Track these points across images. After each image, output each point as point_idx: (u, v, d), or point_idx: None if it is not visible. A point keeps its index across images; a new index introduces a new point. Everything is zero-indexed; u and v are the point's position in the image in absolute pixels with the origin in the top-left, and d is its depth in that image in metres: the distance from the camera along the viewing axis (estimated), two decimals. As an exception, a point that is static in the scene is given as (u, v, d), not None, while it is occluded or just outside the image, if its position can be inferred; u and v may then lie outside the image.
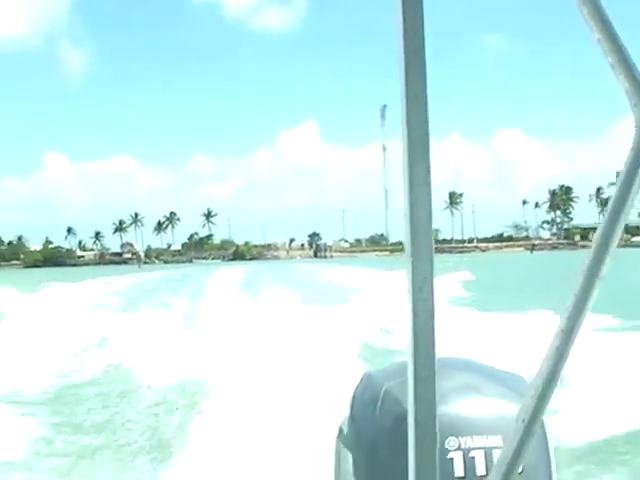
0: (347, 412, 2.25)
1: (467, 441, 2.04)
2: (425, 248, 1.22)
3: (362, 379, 2.30)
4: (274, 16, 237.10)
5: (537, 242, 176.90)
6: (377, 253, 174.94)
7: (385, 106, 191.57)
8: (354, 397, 2.29)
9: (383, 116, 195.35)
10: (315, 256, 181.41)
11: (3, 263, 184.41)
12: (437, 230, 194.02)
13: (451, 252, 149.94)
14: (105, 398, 18.32)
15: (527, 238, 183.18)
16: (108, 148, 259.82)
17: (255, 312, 33.36)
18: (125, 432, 14.81)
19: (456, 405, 1.92)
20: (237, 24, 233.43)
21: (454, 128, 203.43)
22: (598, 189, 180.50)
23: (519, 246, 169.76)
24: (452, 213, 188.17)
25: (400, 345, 20.85)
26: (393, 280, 52.54)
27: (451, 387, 1.82)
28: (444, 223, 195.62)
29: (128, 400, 17.58)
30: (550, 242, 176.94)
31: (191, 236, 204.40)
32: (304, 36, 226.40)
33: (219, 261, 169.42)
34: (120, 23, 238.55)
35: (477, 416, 2.04)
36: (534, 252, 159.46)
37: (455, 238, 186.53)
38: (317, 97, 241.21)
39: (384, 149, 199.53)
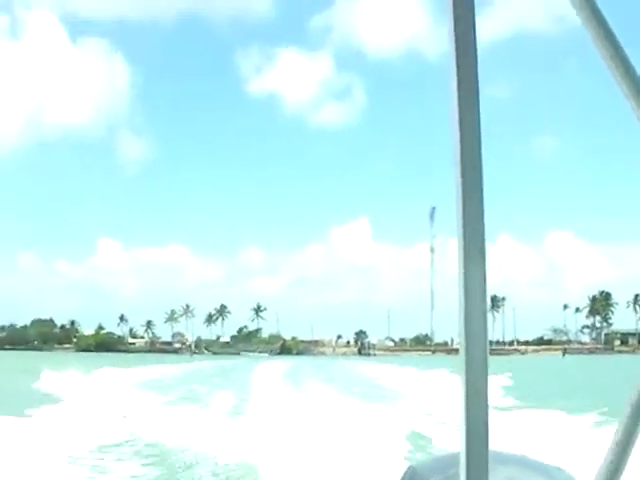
0: None
1: None
2: (480, 358, 1.31)
3: (406, 472, 2.29)
4: (332, 112, 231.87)
5: (575, 346, 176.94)
6: (420, 353, 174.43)
7: (434, 208, 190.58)
8: None
9: (432, 218, 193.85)
10: (359, 354, 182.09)
11: (56, 346, 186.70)
12: None
13: (490, 354, 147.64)
14: None
15: (567, 342, 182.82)
16: (161, 236, 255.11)
17: (296, 402, 36.67)
18: None
19: None
20: (295, 119, 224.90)
21: (504, 228, 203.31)
22: (636, 296, 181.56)
23: (557, 349, 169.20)
24: (494, 316, 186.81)
25: (434, 444, 22.84)
26: (429, 379, 57.95)
27: None
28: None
29: None
30: (587, 346, 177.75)
31: (240, 329, 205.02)
32: (361, 132, 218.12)
33: (266, 354, 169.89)
34: (179, 112, 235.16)
35: None
36: (568, 356, 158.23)
37: (497, 339, 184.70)
38: (371, 194, 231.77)
39: (432, 251, 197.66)
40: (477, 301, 1.25)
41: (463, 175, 1.25)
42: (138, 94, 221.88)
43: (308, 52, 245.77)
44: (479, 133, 1.27)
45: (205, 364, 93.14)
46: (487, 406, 1.26)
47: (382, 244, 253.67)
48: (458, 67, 1.31)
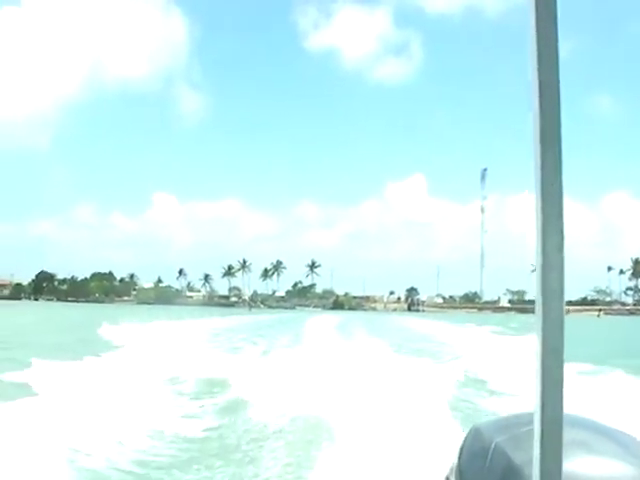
0: (455, 462, 2.14)
1: None
2: (556, 320, 1.24)
3: (470, 431, 2.18)
4: (390, 67, 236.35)
5: (617, 307, 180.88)
6: (467, 310, 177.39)
7: (485, 169, 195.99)
8: (462, 449, 2.15)
9: (483, 179, 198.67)
10: (409, 310, 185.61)
11: (117, 299, 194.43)
12: (524, 291, 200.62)
13: (534, 312, 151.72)
14: (229, 433, 18.23)
15: (608, 303, 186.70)
16: (216, 190, 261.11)
17: (344, 348, 40.57)
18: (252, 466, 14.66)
19: (569, 463, 1.61)
20: (353, 74, 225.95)
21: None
22: None
23: (599, 310, 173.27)
24: None
25: (486, 401, 22.65)
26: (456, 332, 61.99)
27: (564, 444, 1.43)
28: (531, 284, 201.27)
29: (248, 432, 17.68)
30: (627, 308, 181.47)
31: (295, 284, 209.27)
32: (418, 88, 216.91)
33: (320, 309, 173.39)
34: (236, 67, 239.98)
35: (590, 475, 1.82)
36: (605, 316, 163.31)
37: None
38: (427, 150, 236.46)
39: (482, 211, 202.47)
40: (555, 262, 1.25)
41: (542, 139, 1.27)
42: (196, 48, 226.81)
43: (366, 7, 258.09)
44: (558, 96, 1.29)
45: (264, 316, 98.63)
46: (562, 366, 1.26)
47: (437, 200, 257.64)
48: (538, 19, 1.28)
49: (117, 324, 52.87)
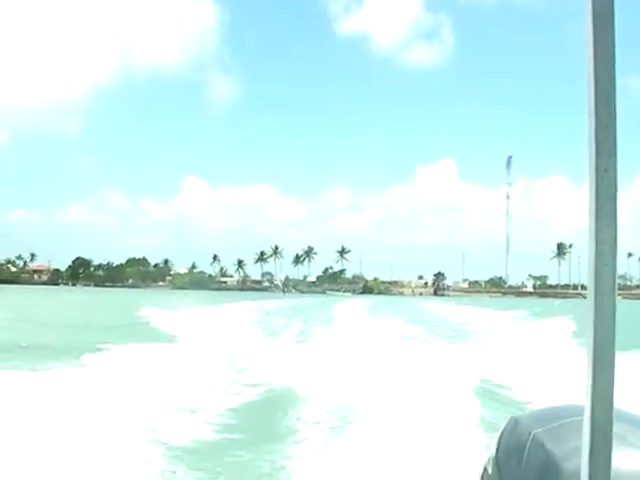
0: (492, 453, 2.18)
1: None
2: (608, 312, 1.24)
3: (508, 422, 2.22)
4: (421, 52, 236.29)
5: (635, 292, 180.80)
6: (491, 294, 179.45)
7: (511, 157, 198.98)
8: (500, 440, 2.19)
9: (509, 166, 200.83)
10: (435, 294, 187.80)
11: (152, 284, 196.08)
12: (546, 276, 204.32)
13: (555, 297, 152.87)
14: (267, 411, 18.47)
15: (627, 287, 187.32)
16: (247, 175, 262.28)
17: (372, 326, 45.62)
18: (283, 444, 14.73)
19: (614, 458, 1.45)
20: (384, 59, 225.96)
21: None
22: None
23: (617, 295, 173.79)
24: (559, 262, 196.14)
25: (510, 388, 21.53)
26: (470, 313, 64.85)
27: None
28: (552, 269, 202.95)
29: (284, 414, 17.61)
30: None
31: (325, 269, 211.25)
32: (448, 73, 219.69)
33: (350, 294, 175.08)
34: (267, 52, 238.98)
35: (625, 469, 1.83)
36: (622, 300, 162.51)
37: (561, 283, 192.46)
38: (457, 135, 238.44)
39: (508, 197, 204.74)
40: (607, 255, 1.24)
41: (597, 130, 1.24)
42: (227, 33, 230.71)
43: None
44: (614, 81, 1.24)
45: (297, 300, 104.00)
46: (614, 361, 1.26)
47: (467, 185, 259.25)
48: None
49: (171, 309, 54.36)
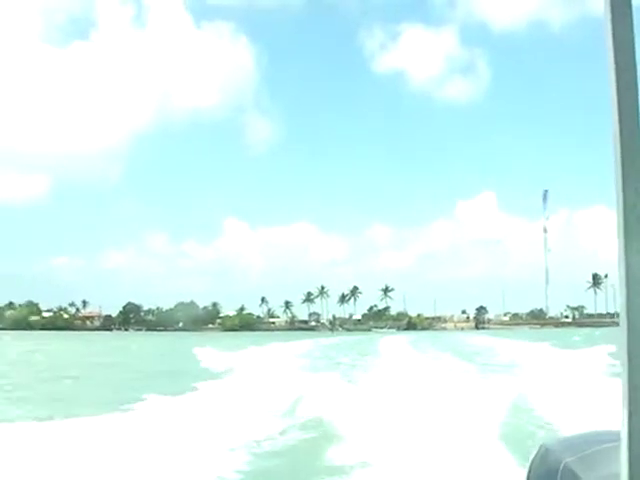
0: None
1: None
2: None
3: (539, 450, 2.21)
4: (458, 87, 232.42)
5: None
6: (531, 326, 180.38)
7: (547, 191, 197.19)
8: (531, 468, 2.19)
9: (545, 200, 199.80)
10: (476, 328, 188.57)
11: (203, 327, 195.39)
12: (583, 306, 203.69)
13: (592, 326, 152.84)
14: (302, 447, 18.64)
15: None
16: (288, 215, 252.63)
17: (416, 358, 50.28)
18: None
19: None
20: (421, 95, 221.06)
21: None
22: None
23: None
24: (595, 292, 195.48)
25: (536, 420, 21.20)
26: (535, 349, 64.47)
27: None
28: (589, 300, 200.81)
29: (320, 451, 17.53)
30: None
31: (370, 308, 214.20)
32: (486, 106, 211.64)
33: (394, 330, 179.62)
34: (304, 92, 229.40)
35: None
36: None
37: (598, 312, 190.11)
38: (496, 168, 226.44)
39: (545, 231, 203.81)
40: (638, 276, 1.22)
41: (622, 152, 1.23)
42: (264, 75, 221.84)
43: (432, 27, 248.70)
44: (637, 103, 1.24)
45: (347, 338, 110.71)
46: None
47: (507, 217, 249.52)
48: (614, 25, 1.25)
49: (231, 351, 58.51)
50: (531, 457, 2.22)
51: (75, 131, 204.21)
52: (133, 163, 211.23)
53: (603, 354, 45.83)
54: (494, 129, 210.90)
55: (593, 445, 2.03)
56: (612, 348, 45.46)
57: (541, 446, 2.23)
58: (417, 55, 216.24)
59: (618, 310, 1.31)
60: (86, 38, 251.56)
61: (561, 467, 2.05)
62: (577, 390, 27.55)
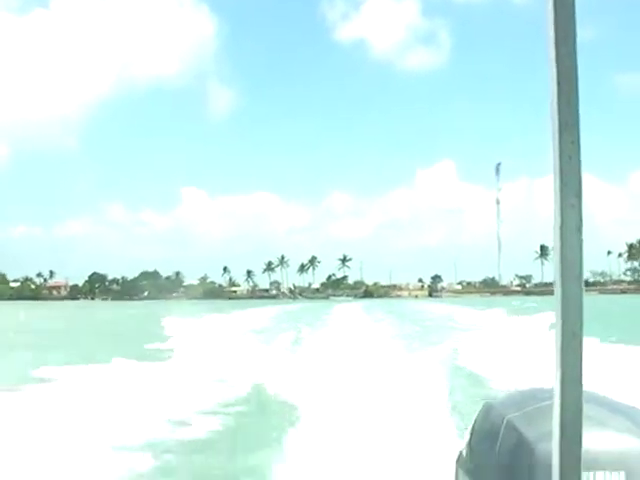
0: (467, 438, 2.28)
1: (589, 477, 1.94)
2: (575, 304, 1.27)
3: (482, 408, 2.29)
4: (419, 56, 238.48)
5: (611, 287, 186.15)
6: (481, 295, 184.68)
7: (499, 164, 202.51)
8: (474, 425, 2.29)
9: (498, 172, 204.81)
10: (430, 296, 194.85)
11: (167, 296, 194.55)
12: (530, 275, 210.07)
13: (540, 294, 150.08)
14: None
15: (603, 283, 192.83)
16: (247, 184, 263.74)
17: (366, 320, 56.36)
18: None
19: (584, 439, 1.51)
20: (382, 64, 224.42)
21: (588, 167, 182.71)
22: None
23: (594, 291, 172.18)
24: (542, 263, 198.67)
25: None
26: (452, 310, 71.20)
27: None
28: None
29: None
30: (621, 287, 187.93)
31: (329, 277, 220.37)
32: (445, 77, 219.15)
33: (351, 298, 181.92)
34: (265, 61, 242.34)
35: (600, 450, 1.92)
36: (599, 295, 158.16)
37: (544, 282, 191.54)
38: (455, 137, 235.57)
39: (497, 202, 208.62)
40: (573, 244, 1.25)
41: (560, 125, 1.29)
42: (225, 43, 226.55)
43: None
44: (576, 81, 1.28)
45: (307, 304, 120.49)
46: (582, 346, 1.29)
47: (466, 186, 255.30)
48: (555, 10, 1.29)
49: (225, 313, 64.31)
50: (475, 415, 2.39)
51: (34, 99, 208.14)
52: (92, 131, 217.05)
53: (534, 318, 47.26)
54: (454, 98, 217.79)
55: (535, 402, 2.18)
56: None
57: (485, 403, 2.37)
58: (379, 24, 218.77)
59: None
60: (46, 6, 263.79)
61: (504, 423, 2.16)
62: (504, 347, 29.50)
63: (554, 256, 1.31)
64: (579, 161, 1.30)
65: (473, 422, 2.31)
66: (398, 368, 19.66)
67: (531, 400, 2.18)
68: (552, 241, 1.32)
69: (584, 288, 1.29)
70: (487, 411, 2.29)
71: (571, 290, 1.27)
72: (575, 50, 1.33)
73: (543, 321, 39.73)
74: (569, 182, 1.29)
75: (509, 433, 2.09)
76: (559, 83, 1.34)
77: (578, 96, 1.32)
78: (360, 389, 16.38)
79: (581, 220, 1.29)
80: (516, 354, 26.98)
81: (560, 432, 1.32)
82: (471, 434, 2.30)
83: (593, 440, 1.87)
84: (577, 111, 1.31)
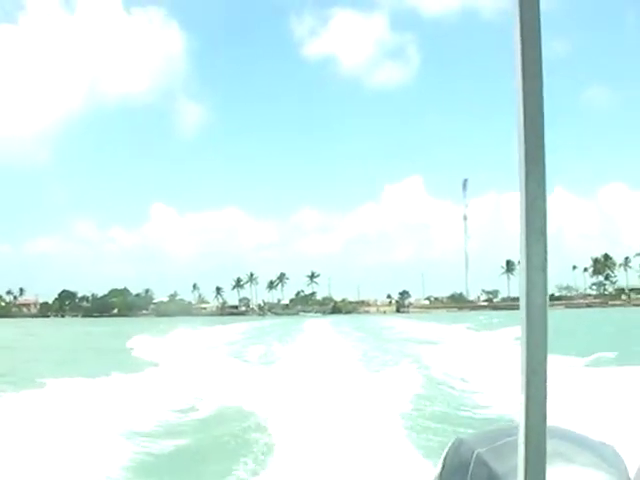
0: (437, 473, 2.23)
1: None
2: (540, 335, 1.24)
3: (453, 443, 2.26)
4: (387, 71, 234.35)
5: (577, 301, 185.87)
6: (448, 310, 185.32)
7: (466, 180, 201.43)
8: (445, 460, 2.23)
9: (465, 189, 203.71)
10: (397, 311, 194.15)
11: (138, 312, 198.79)
12: (497, 291, 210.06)
13: (506, 309, 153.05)
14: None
15: (569, 297, 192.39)
16: (215, 200, 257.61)
17: (333, 335, 58.98)
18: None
19: (550, 474, 1.45)
20: (351, 79, 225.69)
21: (558, 181, 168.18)
22: (626, 258, 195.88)
23: (559, 305, 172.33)
24: (508, 277, 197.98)
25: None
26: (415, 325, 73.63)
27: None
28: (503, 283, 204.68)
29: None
30: (586, 301, 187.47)
31: (298, 293, 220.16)
32: (414, 92, 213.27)
33: (320, 314, 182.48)
34: (234, 77, 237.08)
35: None
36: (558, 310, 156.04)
37: (511, 296, 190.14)
38: (424, 153, 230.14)
39: (465, 218, 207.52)
40: (538, 283, 1.24)
41: (527, 147, 1.28)
42: (194, 60, 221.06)
43: (362, 12, 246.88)
44: (541, 101, 1.27)
45: (276, 320, 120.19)
46: (546, 377, 1.27)
47: (435, 201, 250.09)
48: (522, 24, 1.28)
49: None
50: (445, 449, 2.31)
51: (3, 115, 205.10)
52: (61, 148, 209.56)
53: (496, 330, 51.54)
54: (422, 114, 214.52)
55: (504, 437, 2.14)
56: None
57: (456, 438, 2.33)
58: (347, 40, 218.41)
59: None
60: (14, 22, 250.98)
61: (473, 458, 2.15)
62: (465, 362, 30.49)
63: (519, 284, 1.32)
64: (544, 176, 1.34)
65: (444, 456, 2.30)
66: (361, 386, 20.46)
67: (501, 435, 2.21)
68: (518, 273, 1.35)
69: (548, 312, 1.33)
70: (458, 445, 2.30)
71: (535, 335, 1.30)
72: (541, 67, 1.36)
73: (506, 336, 42.31)
74: (534, 221, 1.33)
75: (479, 467, 2.13)
76: (525, 106, 1.36)
77: (544, 121, 1.36)
78: (324, 409, 17.00)
79: (546, 259, 1.33)
80: (477, 369, 27.82)
81: (525, 468, 1.34)
82: (442, 468, 2.30)
83: (559, 475, 1.93)
84: (542, 144, 1.34)
